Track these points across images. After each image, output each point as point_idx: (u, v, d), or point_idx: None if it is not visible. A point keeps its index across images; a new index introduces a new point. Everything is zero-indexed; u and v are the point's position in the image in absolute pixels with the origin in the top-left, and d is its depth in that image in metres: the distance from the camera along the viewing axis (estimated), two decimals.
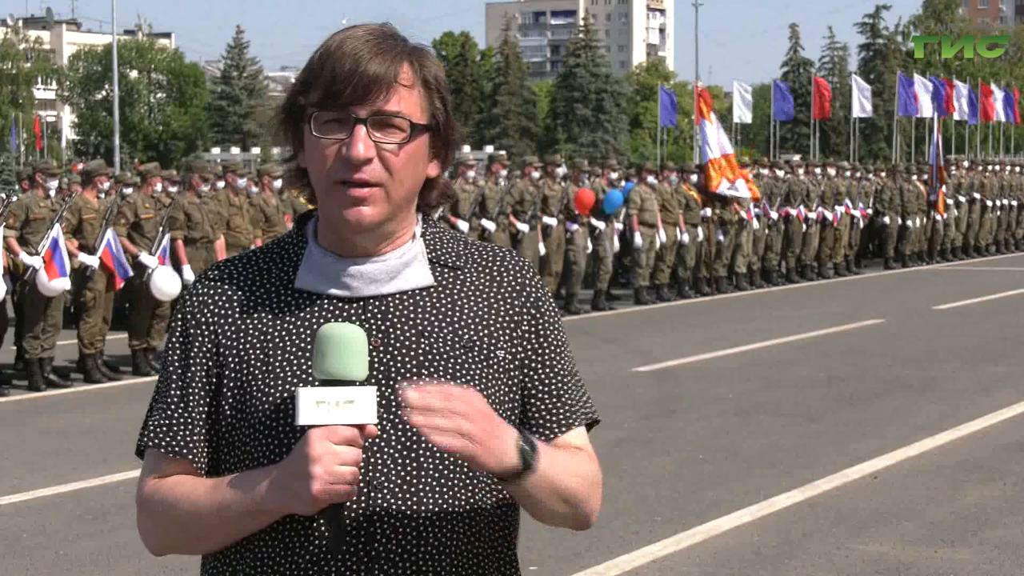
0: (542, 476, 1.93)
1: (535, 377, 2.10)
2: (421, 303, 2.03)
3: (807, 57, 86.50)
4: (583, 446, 2.11)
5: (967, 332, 15.63)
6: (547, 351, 2.11)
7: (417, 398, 1.81)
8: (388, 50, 1.97)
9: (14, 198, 15.68)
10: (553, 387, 2.11)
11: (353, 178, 1.95)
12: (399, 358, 1.99)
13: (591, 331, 16.19)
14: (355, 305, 2.01)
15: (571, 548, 6.64)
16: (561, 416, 2.10)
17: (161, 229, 13.29)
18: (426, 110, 2.00)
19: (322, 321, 1.99)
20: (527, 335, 2.09)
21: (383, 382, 1.96)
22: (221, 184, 14.89)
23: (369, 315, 2.00)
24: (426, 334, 2.01)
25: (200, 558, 2.12)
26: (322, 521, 1.92)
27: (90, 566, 6.63)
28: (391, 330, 2.00)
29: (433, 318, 2.02)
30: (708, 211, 20.38)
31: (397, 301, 2.02)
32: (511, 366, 2.06)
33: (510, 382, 2.06)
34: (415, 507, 1.96)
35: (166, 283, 12.89)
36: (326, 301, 2.01)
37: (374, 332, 1.98)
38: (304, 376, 1.96)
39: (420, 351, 2.00)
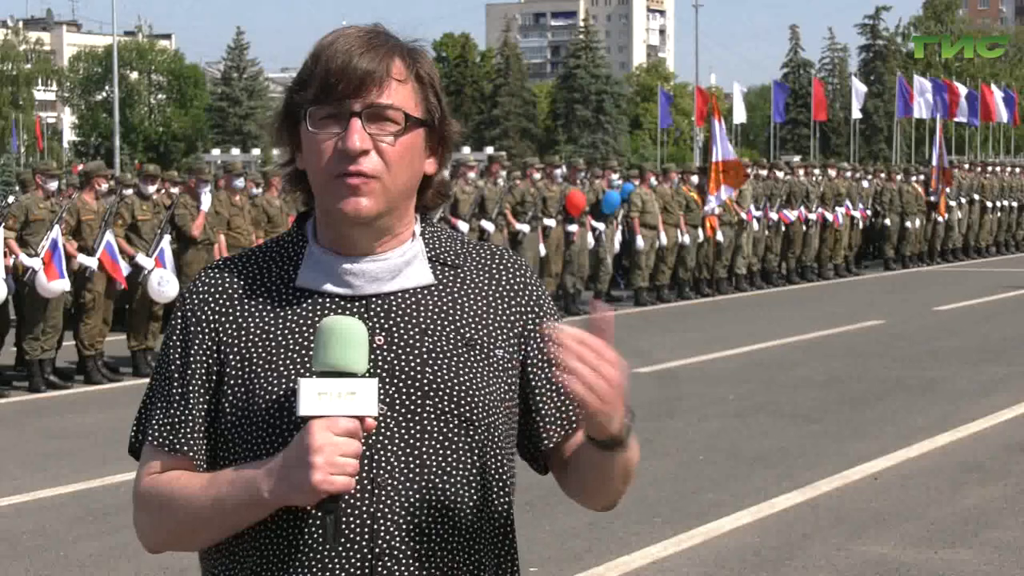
0: (627, 456, 2.03)
1: (538, 376, 2.11)
2: (423, 301, 2.04)
3: (807, 58, 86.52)
4: None
5: (967, 333, 15.63)
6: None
7: (575, 344, 1.85)
8: (380, 45, 1.99)
9: (11, 199, 15.69)
10: (560, 385, 2.12)
11: (350, 170, 1.96)
12: (403, 356, 2.00)
13: None
14: (358, 303, 2.01)
15: (571, 549, 6.64)
16: (569, 414, 2.12)
17: (159, 232, 13.29)
18: (420, 104, 2.01)
19: None
20: (531, 334, 2.10)
21: (387, 380, 1.97)
22: (223, 185, 14.92)
23: (372, 313, 2.01)
24: (429, 332, 2.02)
25: (198, 557, 2.12)
26: (319, 513, 1.92)
27: (90, 567, 6.63)
28: (395, 328, 2.01)
29: (435, 316, 2.03)
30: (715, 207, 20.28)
31: (399, 299, 2.03)
32: (509, 365, 2.08)
33: (509, 380, 2.08)
34: (418, 503, 1.97)
35: (163, 285, 12.88)
36: (328, 299, 2.02)
37: (378, 330, 1.99)
38: (307, 374, 1.96)
39: (424, 349, 2.01)
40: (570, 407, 2.11)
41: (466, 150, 35.02)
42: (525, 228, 17.32)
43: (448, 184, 2.16)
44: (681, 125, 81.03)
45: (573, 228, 18.12)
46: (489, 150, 49.84)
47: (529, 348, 2.10)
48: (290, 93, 2.02)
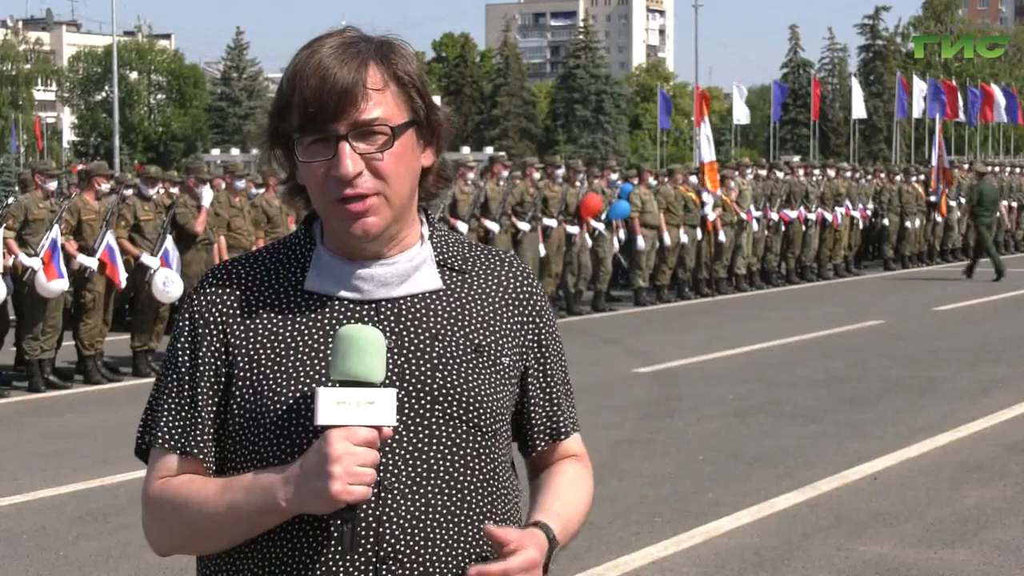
0: (563, 541, 2.08)
1: (536, 386, 2.15)
2: (432, 306, 2.04)
3: (807, 58, 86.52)
4: (581, 453, 2.23)
5: (967, 333, 15.63)
6: (548, 362, 2.16)
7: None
8: (351, 58, 1.96)
9: (11, 199, 15.70)
10: (552, 397, 2.17)
11: (347, 194, 1.95)
12: (413, 361, 2.00)
13: (591, 332, 16.19)
14: (367, 307, 2.01)
15: (571, 549, 6.61)
16: (557, 426, 2.18)
17: (162, 231, 13.29)
18: (404, 106, 1.99)
19: (335, 323, 1.99)
20: (531, 345, 2.13)
21: (396, 384, 1.96)
22: (223, 185, 14.91)
23: (382, 317, 2.01)
24: (439, 337, 2.02)
25: (195, 560, 2.12)
26: (336, 522, 1.92)
27: (90, 567, 6.63)
28: (404, 333, 2.01)
29: (444, 321, 2.04)
30: (709, 210, 20.33)
31: (409, 304, 2.03)
32: (513, 373, 2.09)
33: (512, 389, 2.10)
34: (424, 508, 1.97)
35: (168, 285, 12.88)
36: (337, 303, 2.02)
37: (387, 335, 1.98)
38: (317, 377, 1.96)
39: (434, 354, 2.01)
40: (557, 420, 2.18)
41: (466, 150, 35.05)
42: (525, 227, 17.31)
43: (448, 165, 2.14)
44: (681, 125, 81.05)
45: (574, 229, 18.12)
46: (489, 150, 49.89)
47: (529, 358, 2.12)
48: (274, 120, 2.00)
